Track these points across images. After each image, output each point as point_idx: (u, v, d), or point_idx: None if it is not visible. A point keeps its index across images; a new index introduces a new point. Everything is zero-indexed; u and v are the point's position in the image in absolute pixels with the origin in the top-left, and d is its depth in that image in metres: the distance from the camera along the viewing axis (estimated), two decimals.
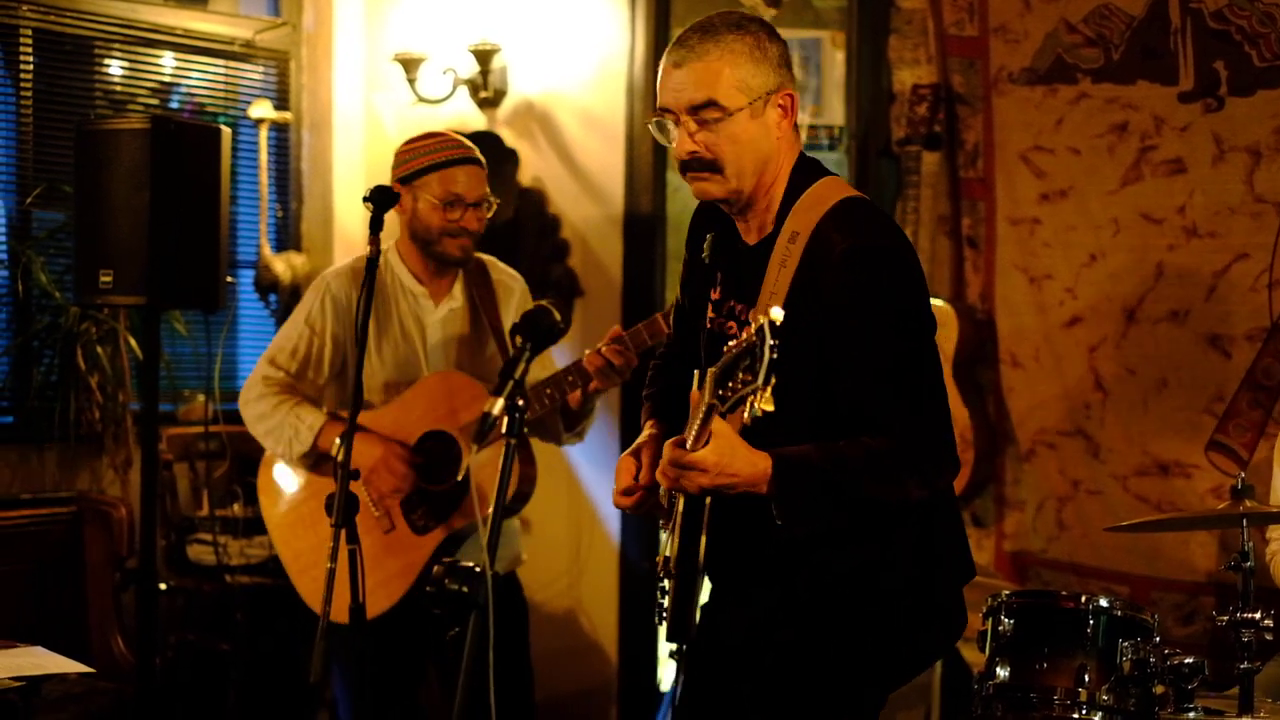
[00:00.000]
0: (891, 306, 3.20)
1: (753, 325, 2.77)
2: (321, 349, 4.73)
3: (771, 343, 2.71)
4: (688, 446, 3.02)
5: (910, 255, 3.28)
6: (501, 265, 4.96)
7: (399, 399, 4.68)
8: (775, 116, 3.29)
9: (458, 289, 4.79)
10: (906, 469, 3.17)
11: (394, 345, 4.73)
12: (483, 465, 4.56)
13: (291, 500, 4.85)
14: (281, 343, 4.79)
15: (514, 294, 4.89)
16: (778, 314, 2.73)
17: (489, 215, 4.70)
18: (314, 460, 4.70)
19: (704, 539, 3.19)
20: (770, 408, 2.74)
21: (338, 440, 4.54)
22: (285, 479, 4.87)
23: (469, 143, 4.75)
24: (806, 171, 3.36)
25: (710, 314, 3.45)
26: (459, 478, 4.62)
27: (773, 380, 2.75)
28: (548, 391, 4.55)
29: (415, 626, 4.61)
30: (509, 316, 4.81)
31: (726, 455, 3.01)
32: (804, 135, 5.98)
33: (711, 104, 3.23)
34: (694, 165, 3.29)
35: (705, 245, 3.49)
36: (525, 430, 4.57)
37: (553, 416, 4.70)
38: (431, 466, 4.67)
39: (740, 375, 2.79)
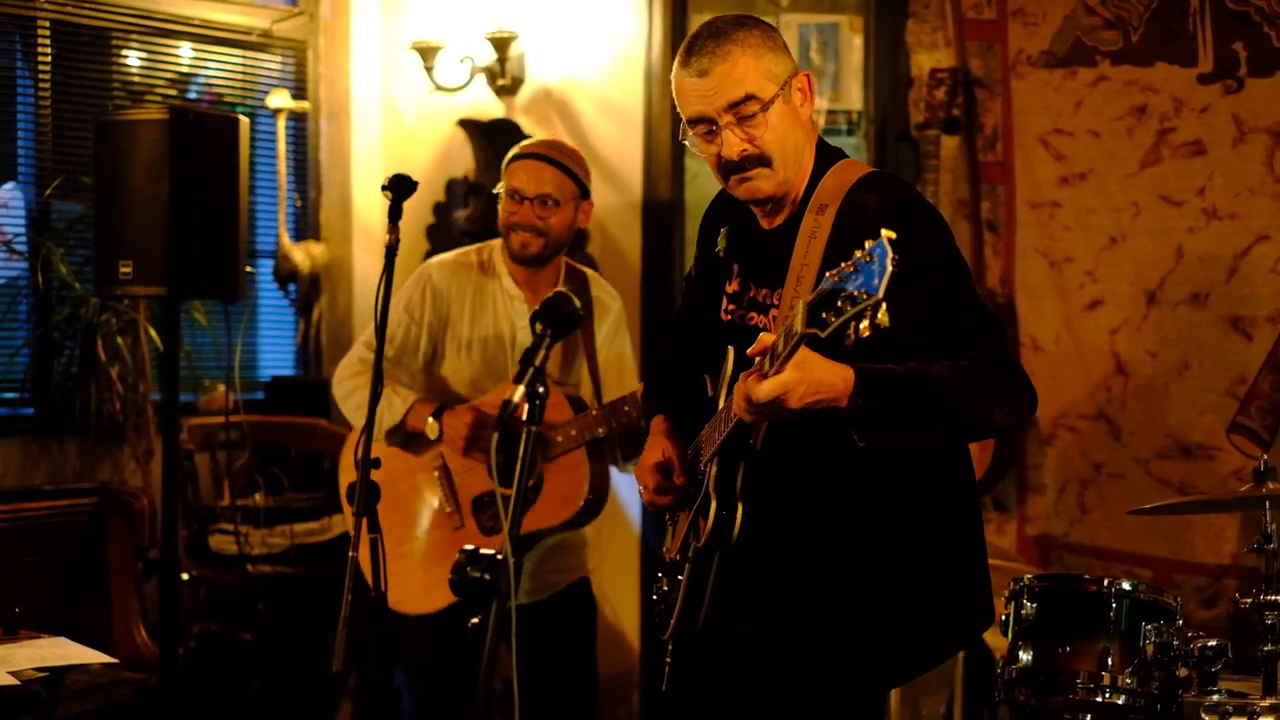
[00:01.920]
0: (940, 245, 3.22)
1: (865, 247, 2.71)
2: (418, 337, 4.72)
3: (893, 255, 2.65)
4: (768, 372, 2.94)
5: (941, 215, 3.32)
6: (603, 282, 4.94)
7: (482, 398, 4.67)
8: (799, 99, 3.31)
9: None
10: (990, 385, 3.12)
11: (484, 344, 4.72)
12: (559, 472, 4.56)
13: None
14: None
15: (610, 313, 4.85)
16: (892, 232, 2.68)
17: (552, 218, 4.63)
18: (401, 439, 4.70)
19: (739, 521, 3.19)
20: (887, 322, 2.68)
21: (430, 419, 4.58)
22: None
23: (556, 143, 4.78)
24: (828, 153, 3.38)
25: (729, 306, 3.44)
26: (530, 482, 4.63)
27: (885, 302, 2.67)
28: (625, 409, 4.52)
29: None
30: (603, 334, 4.80)
31: (810, 372, 2.94)
32: (822, 120, 6.03)
33: (750, 98, 3.23)
34: (746, 164, 3.27)
35: (720, 239, 3.49)
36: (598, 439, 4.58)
37: (613, 439, 4.66)
38: (506, 469, 4.66)
39: (848, 294, 2.71)
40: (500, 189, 4.64)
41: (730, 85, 3.23)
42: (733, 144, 3.26)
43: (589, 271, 4.93)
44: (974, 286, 3.31)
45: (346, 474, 4.89)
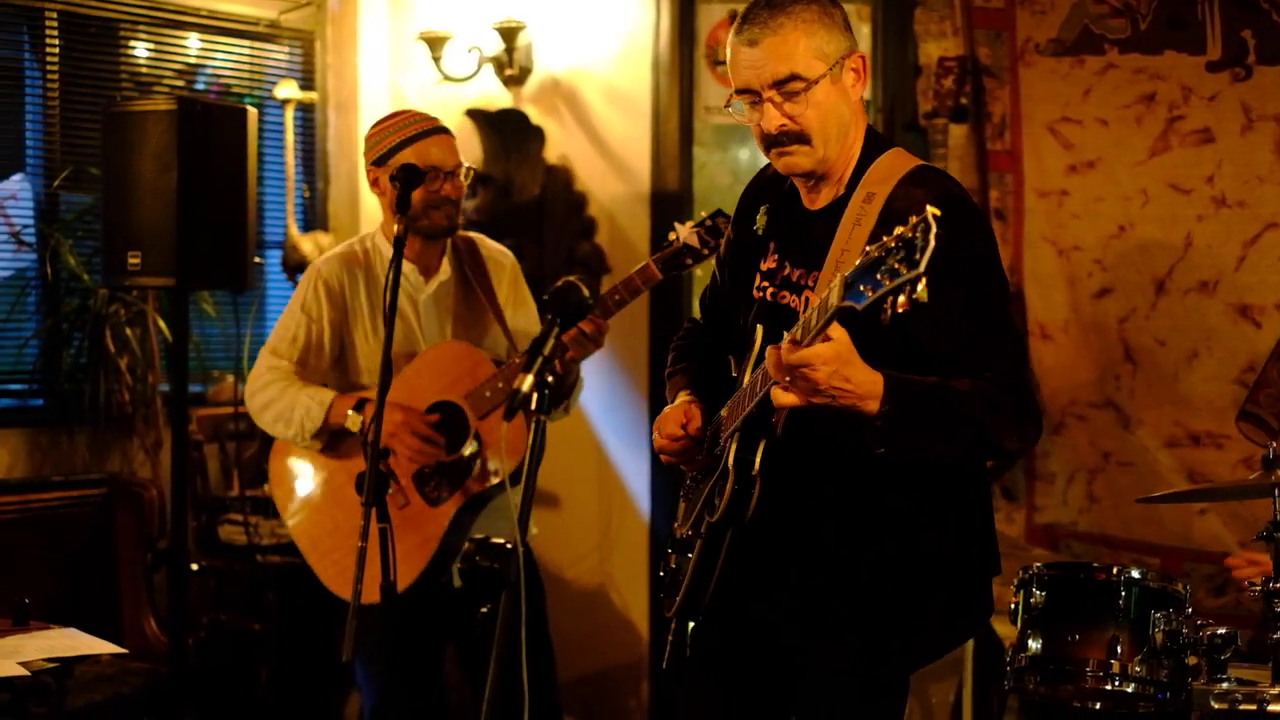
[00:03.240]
0: (982, 256, 3.21)
1: (910, 221, 2.69)
2: (320, 335, 4.73)
3: (937, 231, 2.63)
4: (800, 340, 2.92)
5: (988, 223, 3.31)
6: (491, 242, 4.97)
7: (401, 374, 4.67)
8: (850, 80, 3.29)
9: (446, 264, 4.79)
10: (1005, 410, 3.11)
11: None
12: (489, 430, 4.58)
13: (307, 486, 4.85)
14: (281, 332, 4.77)
15: (505, 269, 4.90)
16: (938, 210, 2.64)
17: (467, 182, 4.71)
18: (326, 439, 4.69)
19: (756, 495, 3.19)
20: (925, 298, 2.65)
21: (350, 412, 4.57)
22: (298, 466, 4.86)
23: (433, 115, 4.76)
24: (877, 138, 3.37)
25: (763, 283, 3.44)
26: (464, 449, 4.63)
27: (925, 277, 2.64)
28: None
29: (435, 605, 4.63)
30: (502, 290, 4.84)
31: (845, 357, 2.91)
32: None
33: (794, 77, 3.22)
34: (783, 139, 3.27)
35: (759, 217, 3.49)
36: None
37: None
38: (441, 436, 4.67)
39: (888, 267, 2.67)
40: (395, 166, 4.51)
41: (777, 61, 3.22)
42: (773, 118, 3.25)
43: (476, 235, 4.96)
44: (1009, 304, 3.28)
45: (278, 485, 4.90)
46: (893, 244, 2.68)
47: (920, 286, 2.62)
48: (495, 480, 4.63)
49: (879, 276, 2.68)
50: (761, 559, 3.34)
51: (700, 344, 3.73)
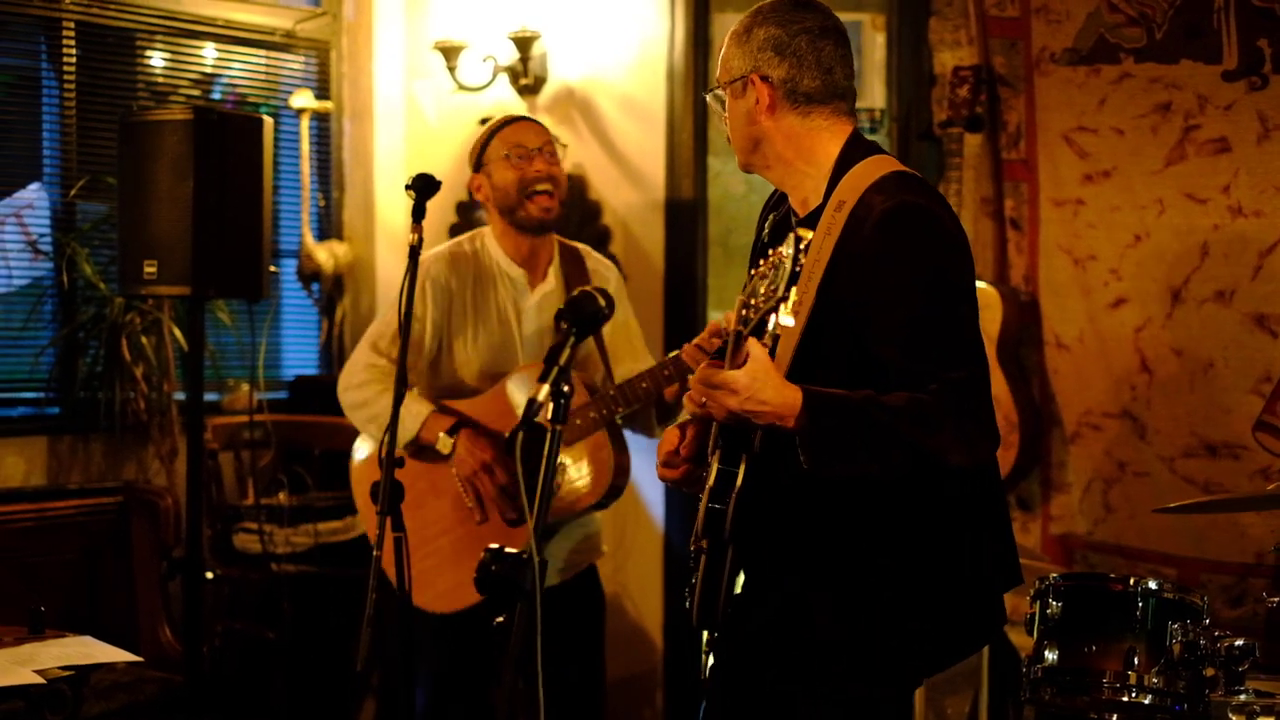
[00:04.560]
0: (927, 263, 3.19)
1: (786, 241, 2.79)
2: (422, 333, 4.72)
3: (795, 255, 2.72)
4: (723, 365, 3.02)
5: (950, 219, 3.29)
6: (596, 254, 4.98)
7: (494, 389, 4.67)
8: (752, 100, 3.37)
9: (553, 274, 4.78)
10: (946, 423, 3.09)
11: (490, 332, 4.72)
12: (581, 456, 4.57)
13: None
14: (382, 328, 4.76)
15: (609, 283, 4.86)
16: (806, 233, 2.79)
17: (562, 159, 4.76)
18: (414, 450, 4.67)
19: (730, 510, 3.19)
20: (790, 321, 2.75)
21: (443, 435, 4.57)
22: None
23: (520, 114, 4.90)
24: (858, 148, 3.38)
25: None
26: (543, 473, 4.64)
27: (791, 295, 2.76)
28: (643, 385, 4.54)
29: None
30: None
31: (760, 379, 2.99)
32: None
33: (718, 83, 3.42)
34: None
35: (766, 225, 3.53)
36: (619, 421, 4.61)
37: (647, 410, 4.70)
38: (525, 459, 4.66)
39: (763, 292, 2.80)
40: (498, 157, 4.65)
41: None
42: (715, 108, 3.49)
43: (582, 246, 4.96)
44: (964, 311, 3.25)
45: (359, 484, 4.89)
46: (768, 268, 2.84)
47: (784, 310, 2.72)
48: (577, 509, 4.63)
49: (754, 301, 2.83)
50: (753, 573, 3.35)
51: None
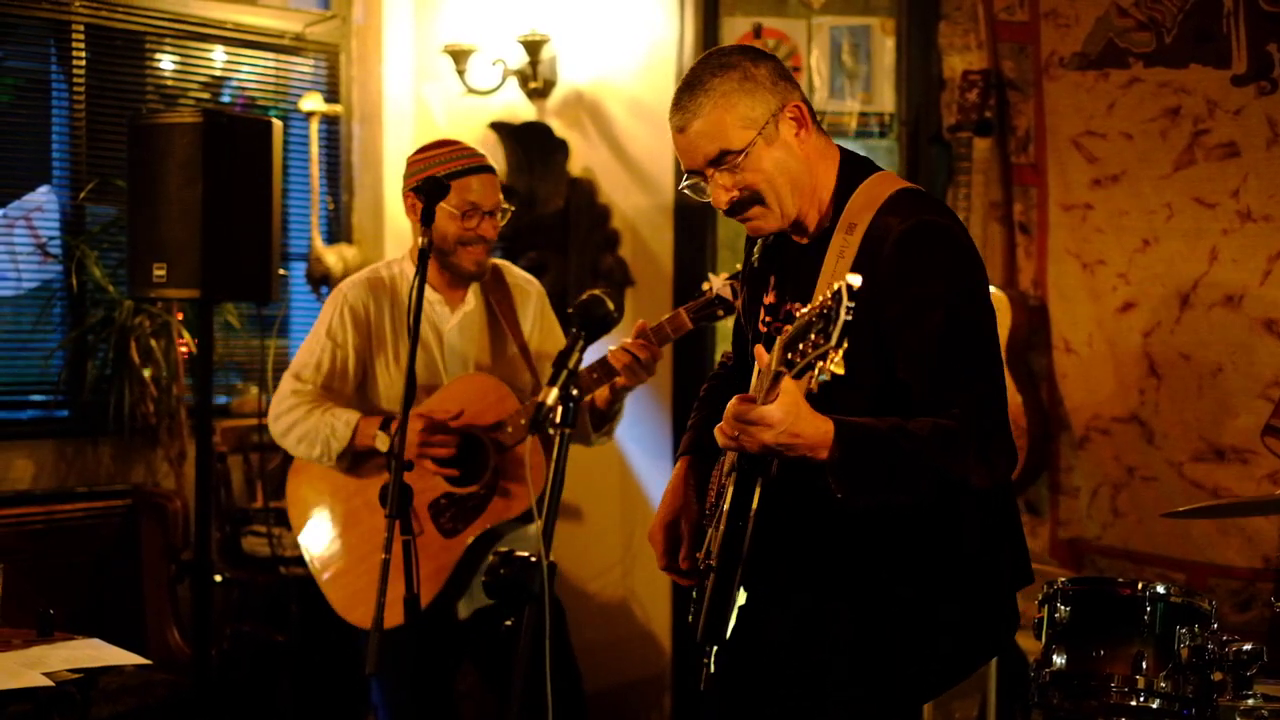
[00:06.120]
0: (948, 282, 3.18)
1: (828, 290, 2.73)
2: (345, 360, 4.73)
3: (849, 304, 2.67)
4: (758, 400, 2.99)
5: (965, 237, 3.27)
6: (517, 270, 4.97)
7: (424, 404, 4.67)
8: (790, 130, 3.28)
9: (472, 295, 4.79)
10: (970, 447, 3.11)
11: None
12: (515, 465, 4.57)
13: (323, 508, 4.84)
14: (305, 358, 4.77)
15: (530, 298, 4.90)
16: (855, 280, 2.68)
17: (503, 223, 4.69)
18: (350, 460, 4.69)
19: (749, 533, 3.18)
20: (841, 371, 2.69)
21: (378, 431, 4.57)
22: (315, 487, 4.85)
23: (481, 151, 4.75)
24: (856, 167, 3.35)
25: (765, 318, 3.44)
26: (479, 484, 4.63)
27: (845, 344, 2.69)
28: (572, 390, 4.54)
29: (445, 634, 4.64)
30: (527, 320, 4.85)
31: (793, 414, 2.96)
32: (854, 123, 6.00)
33: (725, 152, 3.24)
34: (738, 208, 3.30)
35: (756, 250, 3.50)
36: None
37: (581, 416, 4.68)
38: (459, 469, 4.66)
39: (812, 338, 2.74)
40: (447, 205, 4.50)
41: (704, 142, 3.25)
42: (719, 195, 3.29)
43: (502, 263, 4.97)
44: (985, 329, 3.25)
45: (294, 506, 4.89)
46: (817, 311, 2.75)
47: (834, 359, 2.68)
48: (511, 515, 4.64)
49: (801, 346, 2.78)
50: (768, 589, 3.34)
51: (724, 385, 3.71)
